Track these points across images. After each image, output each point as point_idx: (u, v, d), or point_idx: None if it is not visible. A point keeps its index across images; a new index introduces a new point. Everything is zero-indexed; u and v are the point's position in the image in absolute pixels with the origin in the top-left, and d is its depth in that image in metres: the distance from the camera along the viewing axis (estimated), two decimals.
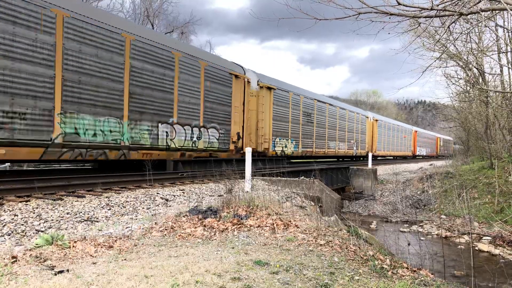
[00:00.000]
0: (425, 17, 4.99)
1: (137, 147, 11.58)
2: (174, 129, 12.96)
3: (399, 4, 4.85)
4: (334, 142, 25.78)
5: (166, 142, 12.67)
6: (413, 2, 4.98)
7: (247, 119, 16.83)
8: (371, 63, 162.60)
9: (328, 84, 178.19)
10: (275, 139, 18.64)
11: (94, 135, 10.30)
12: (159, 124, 12.34)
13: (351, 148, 28.71)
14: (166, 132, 12.66)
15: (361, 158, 31.69)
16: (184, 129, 13.42)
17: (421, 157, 48.06)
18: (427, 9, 4.83)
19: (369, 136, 32.46)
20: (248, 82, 17.06)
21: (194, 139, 13.84)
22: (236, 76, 16.19)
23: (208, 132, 14.49)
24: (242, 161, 13.38)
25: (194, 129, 13.85)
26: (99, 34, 10.35)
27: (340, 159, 29.39)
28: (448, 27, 5.52)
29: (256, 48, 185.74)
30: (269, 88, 18.18)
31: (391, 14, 5.01)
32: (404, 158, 41.69)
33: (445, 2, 4.96)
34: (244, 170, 10.50)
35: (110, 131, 10.70)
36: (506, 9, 4.26)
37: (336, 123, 26.19)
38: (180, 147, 13.19)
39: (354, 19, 5.01)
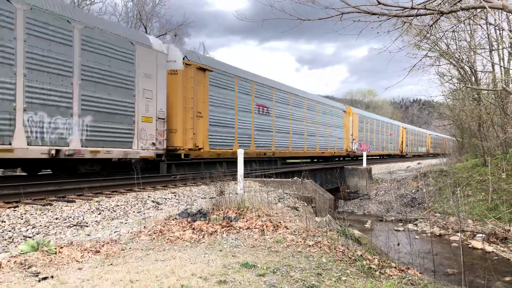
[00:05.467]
0: (406, 16, 5.01)
1: None
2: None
3: (379, 3, 4.86)
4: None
5: None
6: (396, 2, 5.00)
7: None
8: (369, 62, 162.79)
9: (326, 84, 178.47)
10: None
11: None
12: None
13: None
14: None
15: (340, 159, 29.69)
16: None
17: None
18: (408, 8, 4.84)
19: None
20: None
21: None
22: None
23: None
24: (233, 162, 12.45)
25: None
26: None
27: (315, 159, 27.39)
28: (431, 26, 5.53)
29: (255, 50, 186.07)
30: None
31: (373, 14, 5.01)
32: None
33: (426, 2, 4.97)
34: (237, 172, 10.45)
35: None
36: (485, 7, 4.27)
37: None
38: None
39: (337, 19, 5.04)
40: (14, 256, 4.65)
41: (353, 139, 30.02)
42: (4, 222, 6.08)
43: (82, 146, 10.22)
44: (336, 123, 27.45)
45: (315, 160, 27.26)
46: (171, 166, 13.58)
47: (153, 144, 12.48)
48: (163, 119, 12.86)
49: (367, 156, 28.98)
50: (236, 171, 10.30)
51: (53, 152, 9.48)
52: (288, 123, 21.01)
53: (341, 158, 29.76)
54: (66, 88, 9.84)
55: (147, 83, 12.28)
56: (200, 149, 14.36)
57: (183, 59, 13.85)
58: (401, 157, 43.56)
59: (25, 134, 8.96)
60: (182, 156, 13.71)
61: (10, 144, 8.61)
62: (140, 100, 12.04)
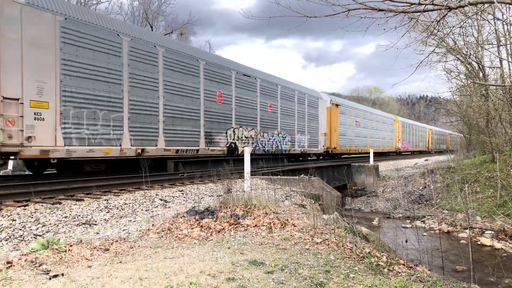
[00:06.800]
0: (413, 12, 4.98)
1: None
2: None
3: None
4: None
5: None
6: None
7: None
8: (376, 59, 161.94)
9: (332, 81, 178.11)
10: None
11: None
12: None
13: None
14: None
15: (389, 154, 40.59)
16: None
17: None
18: (415, 4, 4.81)
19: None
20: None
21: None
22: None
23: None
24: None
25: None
26: None
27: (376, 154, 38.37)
28: (438, 21, 5.48)
29: (262, 47, 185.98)
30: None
31: (380, 10, 4.98)
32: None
33: None
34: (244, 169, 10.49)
35: None
36: (493, 2, 4.23)
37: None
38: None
39: (344, 16, 5.01)
40: (25, 254, 4.70)
41: (399, 140, 42.37)
42: (15, 220, 6.15)
43: (307, 148, 23.06)
44: (389, 129, 40.07)
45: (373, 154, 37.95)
46: (178, 164, 13.64)
47: (323, 146, 25.32)
48: (325, 133, 25.61)
49: (406, 151, 46.36)
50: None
51: (302, 150, 22.45)
52: (369, 131, 33.93)
53: (389, 154, 40.84)
54: (303, 123, 22.77)
55: (321, 116, 25.10)
56: (335, 148, 27.04)
57: (330, 101, 26.81)
58: (428, 153, 54.04)
59: (296, 143, 21.72)
60: (330, 152, 26.57)
61: (294, 147, 21.46)
62: (320, 124, 24.90)
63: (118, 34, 11.31)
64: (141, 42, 12.01)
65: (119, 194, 8.72)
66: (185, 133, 13.54)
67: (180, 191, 9.70)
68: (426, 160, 31.70)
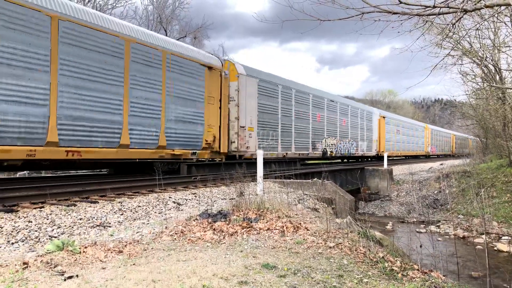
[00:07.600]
0: (428, 15, 4.93)
1: None
2: None
3: (400, 2, 4.79)
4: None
5: None
6: (418, 1, 4.91)
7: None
8: (391, 62, 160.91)
9: (347, 84, 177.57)
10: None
11: None
12: None
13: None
14: None
15: (420, 157, 46.58)
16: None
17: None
18: (430, 7, 4.76)
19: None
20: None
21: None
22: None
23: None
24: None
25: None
26: None
27: (408, 157, 45.08)
28: (453, 24, 5.41)
29: (276, 51, 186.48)
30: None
31: (394, 13, 4.95)
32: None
33: (448, 0, 4.86)
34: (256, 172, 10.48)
35: None
36: (510, 4, 4.18)
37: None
38: None
39: (358, 19, 4.98)
40: (41, 255, 4.76)
41: (428, 145, 48.46)
42: (31, 222, 6.24)
43: (365, 151, 30.17)
44: (421, 135, 46.39)
45: (408, 157, 43.95)
46: (191, 167, 13.71)
47: (375, 150, 31.04)
48: (376, 140, 31.50)
49: (434, 155, 52.35)
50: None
51: (362, 154, 29.82)
52: (406, 138, 40.15)
53: (420, 157, 46.55)
54: (363, 132, 29.87)
55: (374, 126, 31.51)
56: (382, 152, 30.21)
57: (379, 114, 33.09)
58: (452, 156, 58.27)
59: (359, 148, 29.05)
60: (379, 155, 31.03)
61: (357, 151, 28.77)
62: (373, 132, 31.09)
63: (277, 85, 18.94)
64: (285, 87, 19.60)
65: (133, 196, 8.79)
66: (303, 142, 20.96)
67: (193, 194, 9.74)
68: (441, 164, 31.36)
